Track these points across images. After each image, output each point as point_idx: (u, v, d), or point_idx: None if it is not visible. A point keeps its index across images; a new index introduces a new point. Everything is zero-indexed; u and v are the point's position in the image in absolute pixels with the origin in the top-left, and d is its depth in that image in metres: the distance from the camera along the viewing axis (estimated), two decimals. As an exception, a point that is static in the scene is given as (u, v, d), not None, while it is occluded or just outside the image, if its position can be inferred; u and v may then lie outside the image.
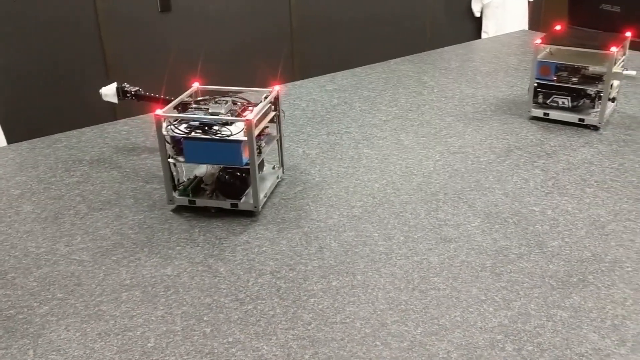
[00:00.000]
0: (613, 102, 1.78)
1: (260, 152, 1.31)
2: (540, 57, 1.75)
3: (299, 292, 1.08)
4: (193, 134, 1.25)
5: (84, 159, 1.62)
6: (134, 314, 1.04)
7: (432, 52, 2.55)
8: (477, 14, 4.20)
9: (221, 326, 1.01)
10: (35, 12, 2.68)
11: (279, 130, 1.41)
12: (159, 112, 1.26)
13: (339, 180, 1.47)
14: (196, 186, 1.35)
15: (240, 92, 1.38)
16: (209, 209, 1.33)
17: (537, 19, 4.51)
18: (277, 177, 1.45)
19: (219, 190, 1.32)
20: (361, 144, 1.67)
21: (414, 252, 1.19)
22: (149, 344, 0.97)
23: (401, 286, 1.09)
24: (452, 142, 1.67)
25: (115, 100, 1.61)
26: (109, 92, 1.61)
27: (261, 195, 1.32)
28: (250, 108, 1.31)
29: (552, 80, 1.74)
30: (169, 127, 1.26)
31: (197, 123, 1.26)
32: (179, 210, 1.35)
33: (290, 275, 1.13)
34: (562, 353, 0.93)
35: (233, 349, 0.96)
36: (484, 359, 0.93)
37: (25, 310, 1.06)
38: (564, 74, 1.73)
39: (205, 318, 1.03)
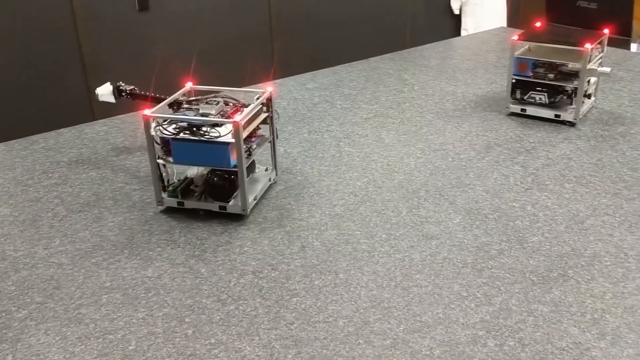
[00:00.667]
0: (589, 98, 1.79)
1: (250, 154, 1.29)
2: (518, 53, 1.77)
3: (282, 291, 1.08)
4: (181, 134, 1.23)
5: (62, 160, 1.60)
6: (115, 316, 1.03)
7: (412, 49, 2.56)
8: (456, 12, 4.22)
9: (203, 327, 1.00)
10: (10, 11, 2.64)
11: (272, 132, 1.39)
12: (147, 112, 1.24)
13: (320, 178, 1.47)
14: (186, 187, 1.33)
15: (232, 92, 1.36)
16: (198, 211, 1.32)
17: (516, 16, 4.55)
18: (270, 180, 1.43)
19: (208, 192, 1.30)
20: (342, 142, 1.67)
21: (396, 250, 1.19)
22: (130, 347, 0.96)
23: (383, 284, 1.09)
24: (432, 140, 1.67)
25: (112, 99, 1.58)
26: (104, 92, 1.58)
27: (250, 198, 1.31)
28: (243, 109, 1.29)
29: (529, 77, 1.76)
30: (157, 128, 1.24)
31: (185, 124, 1.24)
32: (161, 211, 1.34)
33: (273, 275, 1.13)
34: (543, 348, 0.94)
35: (215, 350, 0.95)
36: (466, 355, 0.93)
37: (4, 314, 1.04)
38: (541, 70, 1.75)
39: (186, 320, 1.02)
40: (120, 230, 1.28)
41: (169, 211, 1.34)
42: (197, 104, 1.29)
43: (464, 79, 2.15)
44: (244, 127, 1.24)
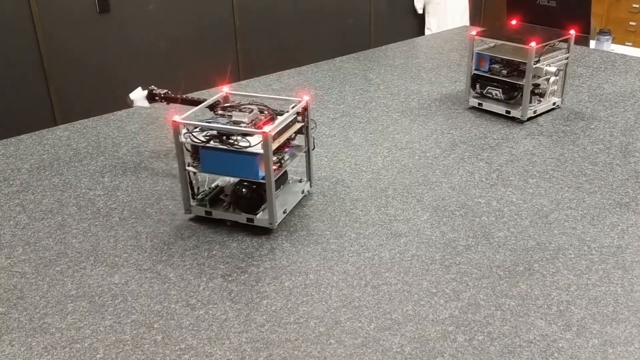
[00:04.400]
0: (541, 96, 1.79)
1: (281, 166, 1.24)
2: (480, 49, 1.80)
3: (252, 294, 1.07)
4: (211, 142, 1.19)
5: (23, 167, 1.56)
6: (81, 325, 1.01)
7: (376, 49, 2.57)
8: (420, 11, 4.26)
9: (172, 333, 0.99)
10: (-35, 16, 2.57)
11: (307, 143, 1.33)
12: (176, 118, 1.20)
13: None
14: (215, 196, 1.29)
15: (268, 99, 1.30)
16: (225, 221, 1.27)
17: (478, 15, 4.62)
18: (303, 192, 1.37)
19: (235, 203, 1.25)
20: (309, 143, 1.67)
21: (365, 249, 1.20)
22: (98, 356, 0.94)
23: (354, 283, 1.10)
24: (399, 138, 1.69)
25: (146, 104, 1.53)
26: (138, 96, 1.53)
27: (280, 211, 1.26)
28: (277, 118, 1.23)
29: (486, 72, 1.80)
30: (187, 135, 1.20)
31: (215, 132, 1.20)
32: (123, 217, 1.32)
33: (242, 277, 1.12)
34: (511, 341, 0.96)
35: (185, 356, 0.94)
36: (437, 350, 0.94)
37: (-36, 327, 1.01)
38: (497, 66, 1.79)
39: (155, 326, 1.00)
40: (84, 237, 1.25)
41: (132, 217, 1.32)
42: (231, 111, 1.24)
43: (429, 78, 2.17)
44: (274, 138, 1.18)
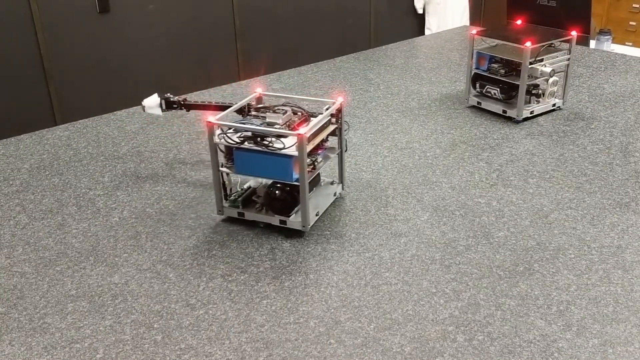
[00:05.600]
0: (538, 97, 1.79)
1: (314, 168, 1.23)
2: (481, 48, 1.81)
3: (252, 294, 1.07)
4: (245, 144, 1.19)
5: (23, 167, 1.56)
6: (81, 325, 1.01)
7: (376, 49, 2.57)
8: (420, 11, 4.26)
9: (172, 333, 0.99)
10: (-35, 15, 2.57)
11: (341, 145, 1.32)
12: (211, 119, 1.20)
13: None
14: (247, 198, 1.28)
15: (301, 101, 1.29)
16: (258, 223, 1.27)
17: (478, 15, 4.62)
18: (335, 194, 1.36)
19: (268, 205, 1.24)
20: (309, 143, 1.67)
21: (365, 249, 1.19)
22: (97, 356, 0.94)
23: (354, 283, 1.10)
24: (399, 138, 1.69)
25: (159, 112, 1.50)
26: (151, 104, 1.50)
27: (312, 214, 1.25)
28: (311, 120, 1.23)
29: (485, 72, 1.81)
30: (221, 135, 1.19)
31: (250, 133, 1.19)
32: (123, 217, 1.32)
33: (242, 277, 1.12)
34: (511, 341, 0.96)
35: (185, 356, 0.94)
36: (437, 350, 0.94)
37: (-36, 327, 1.01)
38: (496, 66, 1.79)
39: (155, 326, 1.00)
40: (84, 237, 1.25)
41: (132, 217, 1.32)
42: (265, 112, 1.23)
43: (429, 78, 2.17)
44: (309, 140, 1.17)
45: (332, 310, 1.03)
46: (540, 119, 1.79)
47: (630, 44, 4.17)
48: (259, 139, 1.18)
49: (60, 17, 2.80)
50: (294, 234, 1.24)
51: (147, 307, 1.04)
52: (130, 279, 1.12)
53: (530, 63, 1.70)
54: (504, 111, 1.79)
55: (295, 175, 1.17)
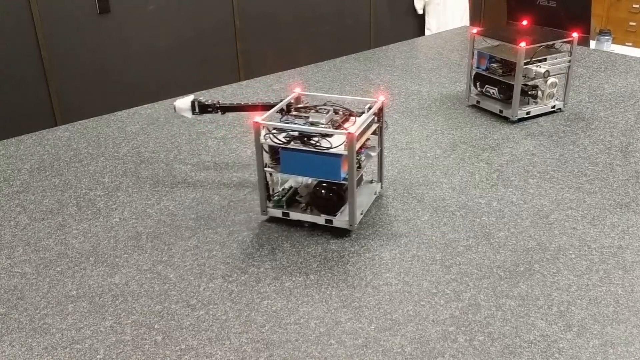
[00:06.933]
0: (534, 98, 1.79)
1: (359, 167, 1.23)
2: (481, 48, 1.81)
3: (252, 294, 1.07)
4: (292, 144, 1.18)
5: (23, 167, 1.56)
6: (82, 325, 1.01)
7: (376, 49, 2.57)
8: (420, 11, 4.26)
9: (173, 333, 0.99)
10: (-35, 16, 2.57)
11: (381, 144, 1.33)
12: (257, 119, 1.19)
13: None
14: (290, 198, 1.28)
15: (340, 100, 1.29)
16: (303, 223, 1.27)
17: (479, 15, 4.62)
18: (375, 193, 1.37)
19: (314, 204, 1.24)
20: (309, 143, 1.67)
21: (365, 249, 1.19)
22: (98, 356, 0.94)
23: (354, 283, 1.10)
24: (399, 139, 1.69)
25: (189, 115, 1.49)
26: (183, 106, 1.48)
27: (357, 212, 1.24)
28: (352, 119, 1.23)
29: (484, 71, 1.81)
30: (267, 136, 1.20)
31: (296, 133, 1.19)
32: (124, 217, 1.32)
33: (242, 278, 1.12)
34: (511, 341, 0.96)
35: (186, 356, 0.94)
36: (437, 351, 0.94)
37: (-35, 328, 1.01)
38: (495, 65, 1.79)
39: (156, 326, 1.00)
40: (85, 238, 1.25)
41: (133, 217, 1.32)
42: (307, 112, 1.23)
43: (429, 78, 2.17)
44: (357, 139, 1.18)
45: (333, 311, 1.03)
46: (540, 119, 1.79)
47: (630, 44, 4.17)
48: (305, 138, 1.18)
49: (60, 18, 2.80)
50: (294, 234, 1.24)
51: (147, 308, 1.04)
52: (131, 280, 1.12)
53: (526, 63, 1.70)
54: (500, 111, 1.79)
55: (343, 174, 1.18)
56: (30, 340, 0.98)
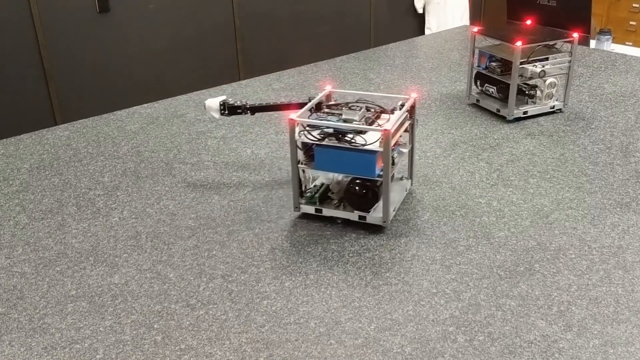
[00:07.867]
0: (532, 98, 1.78)
1: (393, 163, 1.23)
2: (482, 47, 1.82)
3: (252, 294, 1.07)
4: (326, 141, 1.19)
5: (23, 167, 1.56)
6: (81, 325, 1.01)
7: (376, 48, 2.57)
8: (420, 11, 4.26)
9: (172, 333, 0.99)
10: (-35, 15, 2.57)
11: (412, 141, 1.34)
12: (292, 116, 1.19)
13: (288, 179, 1.47)
14: (323, 194, 1.29)
15: (372, 97, 1.29)
16: (336, 219, 1.27)
17: (479, 15, 4.61)
18: (406, 190, 1.37)
19: (348, 201, 1.24)
20: (309, 143, 1.67)
21: (365, 249, 1.19)
22: (97, 356, 0.94)
23: (354, 283, 1.10)
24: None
25: (217, 115, 1.48)
26: (213, 106, 1.47)
27: (390, 209, 1.25)
28: (386, 116, 1.23)
29: (485, 70, 1.82)
30: (302, 133, 1.20)
31: (331, 130, 1.19)
32: (123, 217, 1.32)
33: (242, 278, 1.12)
34: (512, 341, 0.96)
35: (185, 356, 0.94)
36: (437, 351, 0.94)
37: (-36, 327, 1.01)
38: (494, 64, 1.79)
39: (155, 326, 1.00)
40: (84, 237, 1.25)
41: (132, 217, 1.32)
42: (339, 109, 1.24)
43: (429, 78, 2.17)
44: (392, 136, 1.18)
45: (333, 311, 1.03)
46: (540, 118, 1.79)
47: (631, 43, 4.17)
48: (340, 135, 1.18)
49: (60, 17, 2.80)
50: (294, 234, 1.24)
51: (147, 308, 1.04)
52: (130, 279, 1.12)
53: (522, 63, 1.70)
54: (498, 110, 1.79)
55: (378, 171, 1.18)
56: (29, 340, 0.98)
